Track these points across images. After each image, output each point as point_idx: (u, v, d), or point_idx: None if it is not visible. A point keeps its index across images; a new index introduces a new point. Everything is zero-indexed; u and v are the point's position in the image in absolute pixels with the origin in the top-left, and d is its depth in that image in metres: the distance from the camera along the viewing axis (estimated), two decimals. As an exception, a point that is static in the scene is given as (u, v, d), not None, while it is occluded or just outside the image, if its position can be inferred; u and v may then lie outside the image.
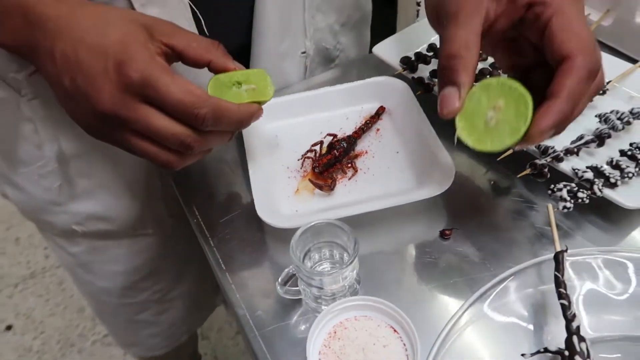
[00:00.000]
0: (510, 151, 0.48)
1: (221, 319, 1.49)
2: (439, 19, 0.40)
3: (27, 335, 1.48)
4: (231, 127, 0.41)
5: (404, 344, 0.40)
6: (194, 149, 0.39)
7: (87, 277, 0.70)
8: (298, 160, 0.53)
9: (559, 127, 0.37)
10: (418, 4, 1.12)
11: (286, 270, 0.42)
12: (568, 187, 0.45)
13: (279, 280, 0.42)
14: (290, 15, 0.56)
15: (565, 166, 0.47)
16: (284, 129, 0.56)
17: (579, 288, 0.40)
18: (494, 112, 0.38)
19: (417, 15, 1.13)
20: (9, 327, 1.49)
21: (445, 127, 0.54)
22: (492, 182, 0.51)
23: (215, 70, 0.42)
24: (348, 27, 0.66)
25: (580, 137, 0.49)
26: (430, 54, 0.59)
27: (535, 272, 0.42)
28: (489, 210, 0.49)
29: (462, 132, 0.39)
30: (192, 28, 0.49)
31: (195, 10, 0.48)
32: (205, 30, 0.50)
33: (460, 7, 0.38)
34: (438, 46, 0.59)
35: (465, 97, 0.38)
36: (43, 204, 0.59)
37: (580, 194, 0.44)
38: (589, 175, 0.45)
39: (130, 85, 0.36)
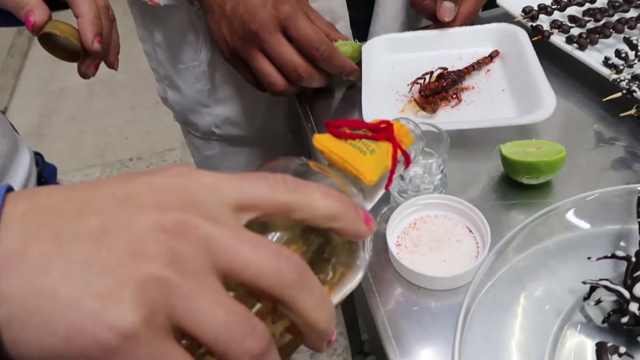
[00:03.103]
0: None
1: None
2: None
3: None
4: (335, 70, 0.54)
5: (477, 243, 0.43)
6: (301, 80, 0.52)
7: None
8: (407, 85, 0.58)
9: None
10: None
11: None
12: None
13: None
14: None
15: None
16: (400, 61, 0.61)
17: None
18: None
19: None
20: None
21: (559, 74, 0.56)
22: (594, 126, 0.51)
23: (330, 39, 0.55)
24: None
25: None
26: (555, 6, 0.60)
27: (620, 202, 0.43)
28: (588, 154, 0.50)
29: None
30: None
31: None
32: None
33: None
34: (564, -1, 0.60)
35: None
36: (194, 104, 0.72)
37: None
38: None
39: (279, 17, 0.50)
